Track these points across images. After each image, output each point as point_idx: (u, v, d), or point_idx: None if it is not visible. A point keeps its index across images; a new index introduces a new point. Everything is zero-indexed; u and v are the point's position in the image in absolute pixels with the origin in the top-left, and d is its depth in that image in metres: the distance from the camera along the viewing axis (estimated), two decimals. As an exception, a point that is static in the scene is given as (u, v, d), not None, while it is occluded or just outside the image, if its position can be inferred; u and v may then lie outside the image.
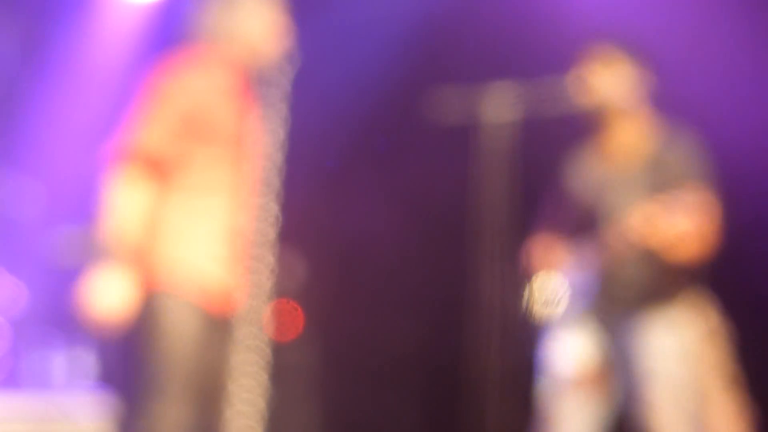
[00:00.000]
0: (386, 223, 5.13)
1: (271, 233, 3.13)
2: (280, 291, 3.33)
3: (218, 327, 3.01)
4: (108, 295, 2.85)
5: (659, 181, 3.13)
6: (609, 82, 3.16)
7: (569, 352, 3.25)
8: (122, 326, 2.91)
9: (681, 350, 3.15)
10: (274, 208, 3.10)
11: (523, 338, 3.28)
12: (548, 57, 3.45)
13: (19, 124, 5.50)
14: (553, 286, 3.28)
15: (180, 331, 2.92)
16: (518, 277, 3.37)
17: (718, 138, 3.34)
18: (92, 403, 4.26)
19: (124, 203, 2.91)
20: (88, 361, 4.90)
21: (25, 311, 5.02)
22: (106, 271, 2.86)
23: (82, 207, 5.27)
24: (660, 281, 3.19)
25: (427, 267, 5.08)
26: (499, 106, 3.26)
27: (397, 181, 5.10)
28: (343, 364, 5.15)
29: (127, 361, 3.03)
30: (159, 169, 2.95)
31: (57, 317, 5.08)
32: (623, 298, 3.19)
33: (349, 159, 5.18)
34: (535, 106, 3.26)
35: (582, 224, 3.25)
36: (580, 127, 3.30)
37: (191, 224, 3.00)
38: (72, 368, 4.88)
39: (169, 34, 3.23)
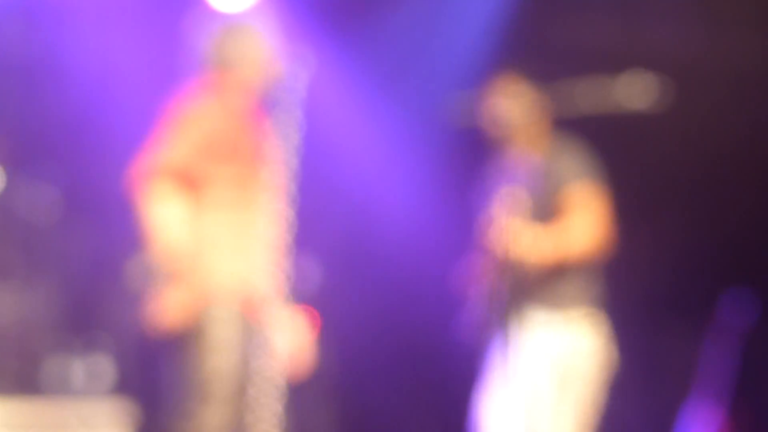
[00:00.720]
0: (403, 225, 5.14)
1: (287, 238, 3.15)
2: (297, 295, 3.35)
3: (250, 332, 3.11)
4: (172, 307, 2.93)
5: (547, 188, 3.43)
6: (511, 104, 3.46)
7: (487, 355, 3.49)
8: (178, 334, 2.98)
9: (551, 357, 3.36)
10: (290, 213, 3.13)
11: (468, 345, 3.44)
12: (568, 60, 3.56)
13: (37, 131, 5.53)
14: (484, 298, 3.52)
15: (224, 338, 3.02)
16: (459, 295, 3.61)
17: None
18: (110, 410, 4.28)
19: (163, 217, 2.99)
20: (106, 366, 4.92)
21: (44, 317, 5.05)
22: (168, 286, 2.95)
23: (98, 213, 5.33)
24: (548, 289, 3.42)
25: (446, 269, 5.08)
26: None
27: (414, 182, 5.12)
28: (360, 367, 5.16)
29: (165, 367, 3.07)
30: (187, 182, 3.05)
31: (75, 323, 5.11)
32: (518, 303, 3.41)
33: (365, 160, 5.19)
34: (560, 106, 3.36)
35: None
36: (489, 145, 3.58)
37: (222, 238, 3.10)
38: (90, 374, 4.91)
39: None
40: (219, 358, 2.98)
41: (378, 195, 5.20)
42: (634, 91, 3.32)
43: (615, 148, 4.82)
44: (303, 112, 3.15)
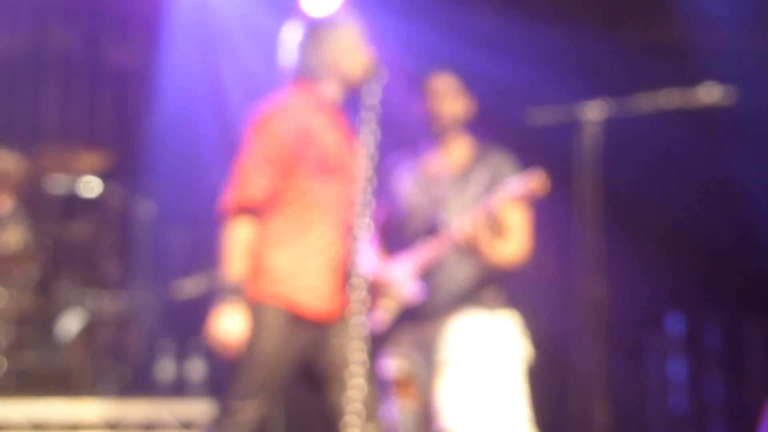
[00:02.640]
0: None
1: (367, 232, 3.17)
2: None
3: (317, 331, 3.15)
4: (228, 326, 3.05)
5: (490, 177, 3.48)
6: (447, 106, 3.56)
7: (388, 360, 3.49)
8: (237, 349, 3.08)
9: (474, 346, 3.37)
10: (370, 224, 3.15)
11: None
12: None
13: (134, 143, 5.67)
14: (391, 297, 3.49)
15: (271, 338, 3.08)
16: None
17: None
18: (205, 410, 4.37)
19: (233, 250, 3.10)
20: (200, 368, 5.02)
21: (140, 322, 5.17)
22: (227, 307, 3.06)
23: (192, 222, 5.43)
24: (473, 286, 3.45)
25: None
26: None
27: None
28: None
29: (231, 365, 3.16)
30: (260, 212, 3.13)
31: (169, 325, 5.22)
32: (437, 302, 3.43)
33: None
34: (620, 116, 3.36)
35: (413, 232, 3.52)
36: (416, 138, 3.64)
37: (293, 239, 3.15)
38: (185, 376, 5.01)
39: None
40: (263, 356, 3.07)
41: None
42: (709, 93, 3.33)
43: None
44: (380, 114, 3.16)
